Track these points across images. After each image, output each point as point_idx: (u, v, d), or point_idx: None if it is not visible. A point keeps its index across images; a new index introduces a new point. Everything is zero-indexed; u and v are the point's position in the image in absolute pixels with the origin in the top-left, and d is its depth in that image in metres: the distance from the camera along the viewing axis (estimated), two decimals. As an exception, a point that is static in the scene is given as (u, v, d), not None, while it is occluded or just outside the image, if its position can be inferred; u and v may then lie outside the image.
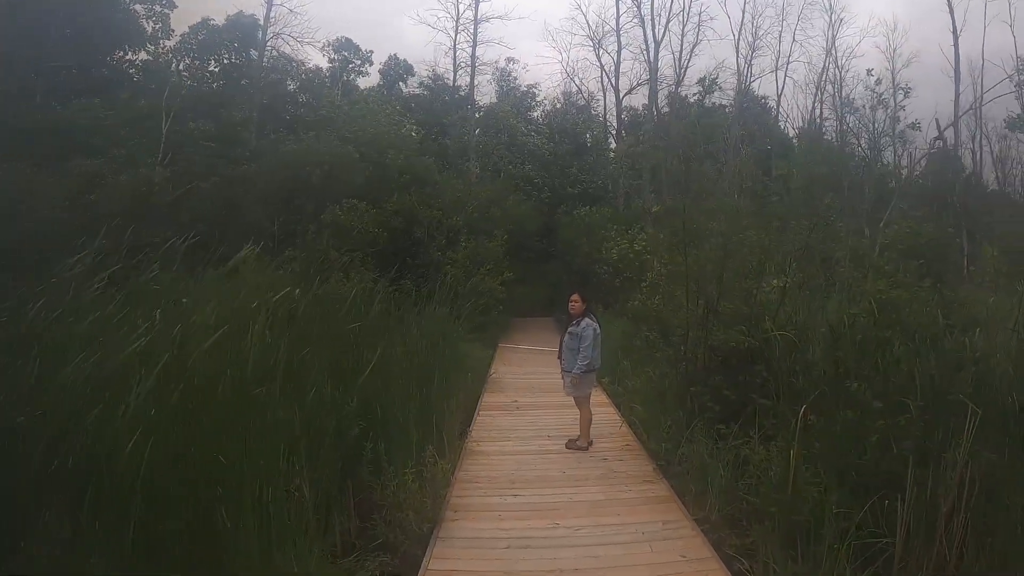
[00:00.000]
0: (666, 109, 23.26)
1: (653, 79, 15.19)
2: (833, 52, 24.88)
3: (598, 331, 5.89)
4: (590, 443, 5.87)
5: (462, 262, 11.59)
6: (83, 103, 16.94)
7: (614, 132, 24.54)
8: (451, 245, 11.95)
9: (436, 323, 7.53)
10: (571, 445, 5.87)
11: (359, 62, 31.79)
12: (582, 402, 5.91)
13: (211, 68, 16.92)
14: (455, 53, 25.39)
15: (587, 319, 5.86)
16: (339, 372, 5.33)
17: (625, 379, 7.64)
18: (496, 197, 16.21)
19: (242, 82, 18.01)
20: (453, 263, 11.53)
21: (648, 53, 22.37)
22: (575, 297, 6.05)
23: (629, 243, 13.97)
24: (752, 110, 26.91)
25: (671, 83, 23.79)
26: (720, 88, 26.86)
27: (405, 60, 30.60)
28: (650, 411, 6.06)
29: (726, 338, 4.92)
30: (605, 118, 26.91)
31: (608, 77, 23.99)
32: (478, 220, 13.57)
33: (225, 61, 17.21)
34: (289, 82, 27.21)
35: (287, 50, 24.86)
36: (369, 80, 30.13)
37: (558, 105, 29.72)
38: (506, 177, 20.85)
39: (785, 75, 28.48)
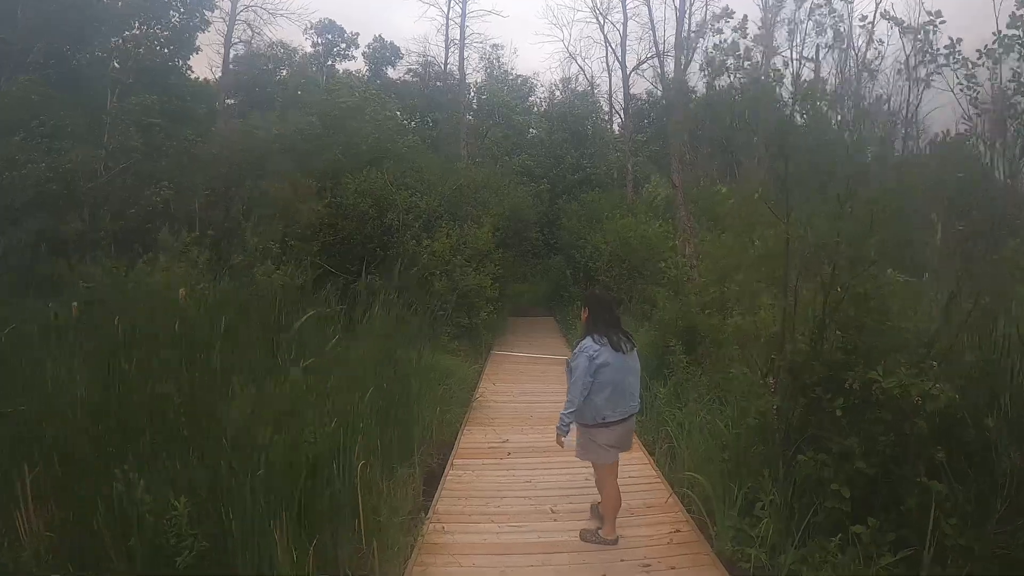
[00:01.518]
0: (670, 82, 21.07)
1: (679, 25, 12.83)
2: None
3: (598, 360, 3.48)
4: (617, 538, 3.66)
5: (442, 253, 9.33)
6: (16, 79, 14.71)
7: (621, 110, 22.40)
8: (429, 232, 9.70)
9: (390, 334, 5.29)
10: (589, 536, 3.67)
11: (344, 45, 29.87)
12: (602, 473, 3.72)
13: (162, 33, 14.70)
14: (447, 30, 23.28)
15: (587, 339, 3.60)
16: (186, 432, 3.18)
17: (662, 415, 5.38)
18: (487, 181, 13.95)
19: (197, 50, 15.80)
20: (432, 254, 9.26)
21: (653, 33, 20.31)
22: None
23: (630, 219, 11.75)
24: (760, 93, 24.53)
25: (678, 62, 21.64)
26: (728, 70, 24.69)
27: (392, 42, 28.46)
28: (714, 477, 3.86)
29: (894, 383, 2.67)
30: (611, 100, 24.79)
31: (614, 52, 21.78)
32: (465, 203, 11.31)
33: (175, 23, 14.99)
34: (281, 71, 25.08)
35: (258, 23, 22.89)
36: (355, 64, 28.13)
37: (556, 92, 27.64)
38: (503, 166, 18.72)
39: (802, 52, 26.28)
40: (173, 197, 10.74)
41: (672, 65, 20.37)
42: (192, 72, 16.70)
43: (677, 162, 10.32)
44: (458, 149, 19.02)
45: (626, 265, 10.84)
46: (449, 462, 5.04)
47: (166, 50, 14.89)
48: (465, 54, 21.79)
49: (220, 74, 21.57)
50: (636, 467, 4.87)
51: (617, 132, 24.68)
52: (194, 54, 16.61)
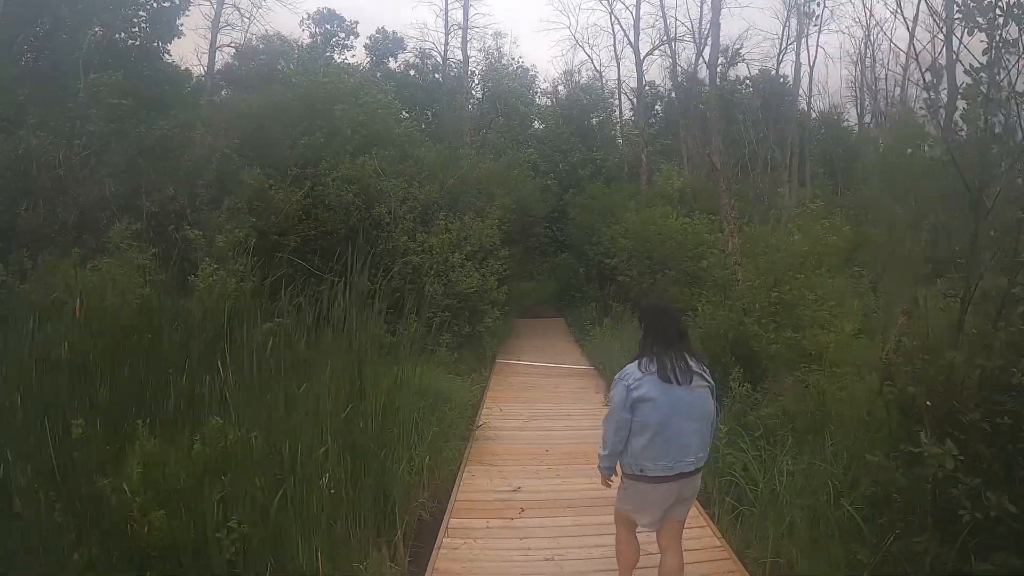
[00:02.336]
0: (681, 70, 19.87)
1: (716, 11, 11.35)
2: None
3: (636, 392, 2.52)
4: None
5: (439, 250, 8.06)
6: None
7: (633, 96, 21.29)
8: (426, 226, 8.45)
9: (364, 358, 4.06)
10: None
11: (343, 35, 28.65)
12: (617, 521, 2.88)
13: (136, 13, 13.56)
14: (447, 12, 22.16)
15: (632, 363, 2.64)
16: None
17: (724, 458, 4.10)
18: (493, 172, 12.66)
19: (180, 34, 14.59)
20: (424, 251, 7.99)
21: (664, 19, 19.13)
22: None
23: (652, 210, 10.50)
24: (772, 87, 23.02)
25: (691, 53, 20.52)
26: (744, 59, 23.44)
27: (394, 32, 27.20)
28: (822, 566, 2.65)
29: None
30: (620, 88, 23.60)
31: (626, 35, 20.66)
32: (468, 194, 10.05)
33: (153, 4, 13.85)
34: (278, 63, 23.92)
35: (248, 7, 21.84)
36: (355, 55, 26.92)
37: (560, 87, 26.40)
38: (507, 159, 17.53)
39: (817, 45, 25.02)
40: (131, 187, 9.57)
41: (685, 52, 19.14)
42: (169, 55, 15.48)
43: (715, 141, 8.97)
44: (459, 140, 17.83)
45: (649, 263, 9.58)
46: (443, 526, 3.81)
47: (144, 29, 13.72)
48: (467, 38, 20.62)
49: (206, 60, 20.47)
50: (691, 531, 3.63)
51: (628, 123, 23.54)
52: (176, 39, 15.45)
